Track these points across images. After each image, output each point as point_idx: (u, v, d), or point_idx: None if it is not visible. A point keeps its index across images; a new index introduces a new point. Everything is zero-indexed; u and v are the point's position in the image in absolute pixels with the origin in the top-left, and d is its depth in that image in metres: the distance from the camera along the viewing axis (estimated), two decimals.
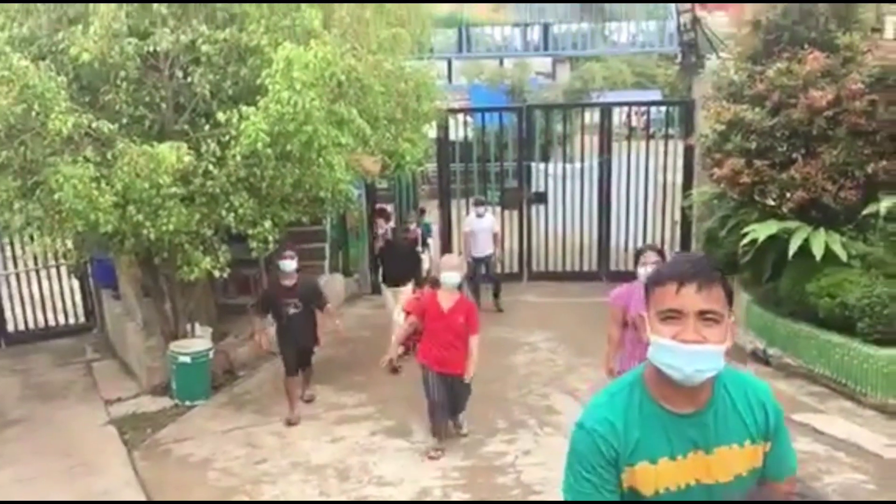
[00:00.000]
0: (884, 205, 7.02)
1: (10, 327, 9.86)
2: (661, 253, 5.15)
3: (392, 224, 9.78)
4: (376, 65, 6.09)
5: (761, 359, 7.46)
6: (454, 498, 4.96)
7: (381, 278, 8.62)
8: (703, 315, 1.68)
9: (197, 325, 7.43)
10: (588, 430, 1.79)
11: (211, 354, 7.10)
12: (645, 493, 1.77)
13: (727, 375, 1.82)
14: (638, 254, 5.22)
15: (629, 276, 5.40)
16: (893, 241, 6.91)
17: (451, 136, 11.15)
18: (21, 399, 7.61)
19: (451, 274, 5.70)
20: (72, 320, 10.26)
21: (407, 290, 8.04)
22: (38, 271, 10.05)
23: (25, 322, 9.99)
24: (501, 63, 17.77)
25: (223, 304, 8.53)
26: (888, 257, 6.85)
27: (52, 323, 10.11)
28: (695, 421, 1.78)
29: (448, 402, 5.73)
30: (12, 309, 9.86)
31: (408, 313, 6.01)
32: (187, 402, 6.88)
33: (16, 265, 9.93)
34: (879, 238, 7.08)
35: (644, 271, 4.87)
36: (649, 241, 11.12)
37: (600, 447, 1.77)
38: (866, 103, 7.28)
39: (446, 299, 5.67)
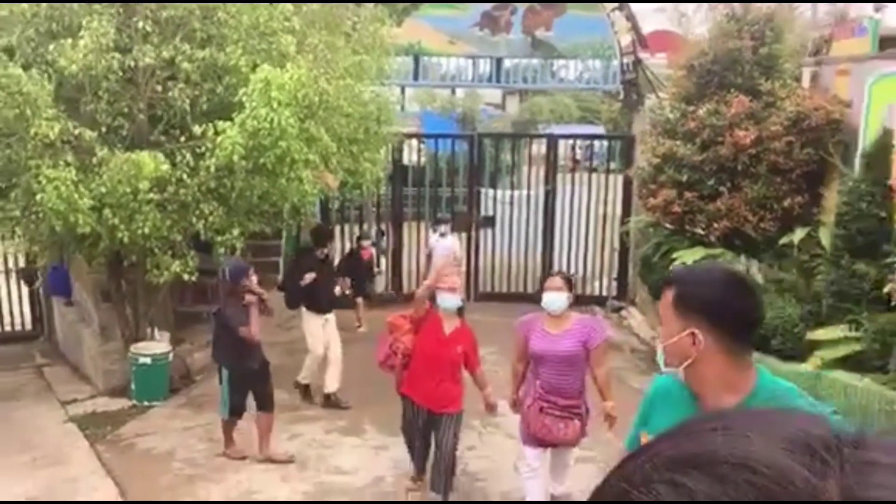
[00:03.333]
0: (797, 236, 7.99)
1: None
2: (568, 280, 4.88)
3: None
4: (346, 88, 6.73)
5: None
6: (406, 484, 5.50)
7: (304, 305, 7.41)
8: None
9: (156, 330, 7.83)
10: (652, 385, 2.23)
11: (170, 357, 7.50)
12: None
13: (770, 383, 2.00)
14: (544, 279, 4.99)
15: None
16: (804, 269, 7.83)
17: (405, 161, 11.83)
18: None
19: (450, 296, 5.05)
20: (18, 327, 10.44)
21: (333, 317, 7.54)
22: None
23: None
24: (454, 92, 18.65)
25: (179, 311, 8.90)
26: (799, 283, 7.77)
27: None
28: None
29: (428, 447, 5.19)
30: None
31: (394, 328, 5.27)
32: (146, 402, 7.25)
33: None
34: (792, 265, 8.01)
35: (546, 297, 4.63)
36: (590, 266, 12.00)
37: (644, 401, 2.25)
38: (784, 144, 8.27)
39: (447, 323, 5.10)
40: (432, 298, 5.13)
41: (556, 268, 12.01)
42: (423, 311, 5.09)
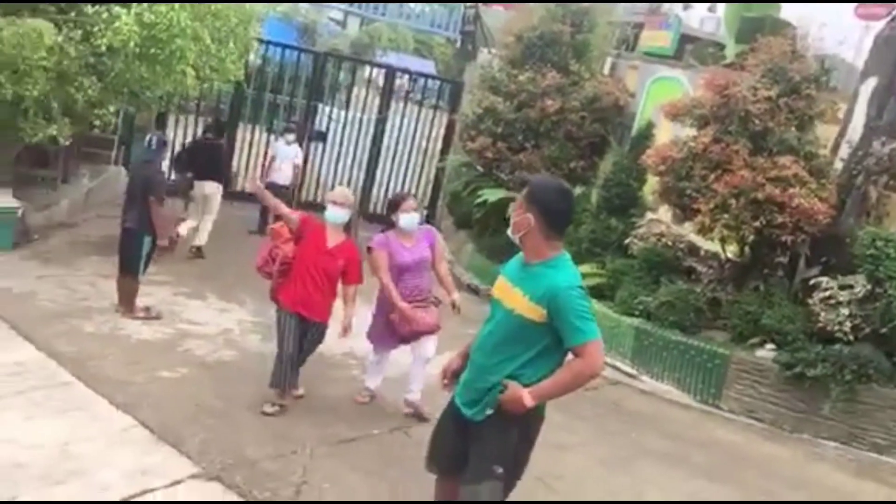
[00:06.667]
0: (575, 192, 10.45)
1: None
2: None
3: None
4: None
5: (475, 291, 10.51)
6: (250, 338, 7.08)
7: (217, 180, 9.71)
8: None
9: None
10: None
11: (20, 213, 8.33)
12: None
13: (565, 266, 3.30)
14: (398, 200, 5.77)
15: (381, 220, 6.81)
16: (575, 219, 10.27)
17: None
18: None
19: (337, 210, 5.45)
20: None
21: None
22: None
23: None
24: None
25: (18, 172, 9.55)
26: (569, 229, 10.20)
27: None
28: (525, 268, 3.37)
29: (299, 354, 5.50)
30: None
31: (275, 235, 5.65)
32: None
33: None
34: None
35: (405, 218, 5.60)
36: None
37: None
38: (579, 117, 10.65)
39: (332, 236, 5.49)
40: (321, 209, 5.70)
41: (375, 189, 13.85)
42: (296, 224, 5.50)
